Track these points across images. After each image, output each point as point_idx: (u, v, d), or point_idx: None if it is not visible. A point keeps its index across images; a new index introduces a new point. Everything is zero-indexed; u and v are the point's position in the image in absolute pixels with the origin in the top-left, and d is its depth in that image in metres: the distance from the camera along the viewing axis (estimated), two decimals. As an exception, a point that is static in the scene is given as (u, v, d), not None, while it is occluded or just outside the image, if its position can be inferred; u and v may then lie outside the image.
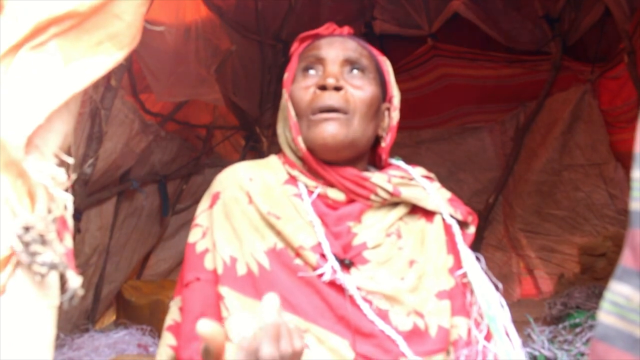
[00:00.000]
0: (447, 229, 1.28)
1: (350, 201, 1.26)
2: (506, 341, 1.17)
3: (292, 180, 1.28)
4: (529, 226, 4.76)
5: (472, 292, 1.23)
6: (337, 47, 1.28)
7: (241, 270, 1.17)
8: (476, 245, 4.78)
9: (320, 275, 1.16)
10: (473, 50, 4.39)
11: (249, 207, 1.23)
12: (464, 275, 1.24)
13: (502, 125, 4.82)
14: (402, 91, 1.39)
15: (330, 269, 1.16)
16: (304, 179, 1.27)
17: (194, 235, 1.25)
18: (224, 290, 1.16)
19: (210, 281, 1.18)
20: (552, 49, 4.26)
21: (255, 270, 1.17)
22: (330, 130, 1.21)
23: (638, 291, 0.63)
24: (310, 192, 1.26)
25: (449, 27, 4.29)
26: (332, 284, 1.16)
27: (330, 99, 1.22)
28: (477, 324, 1.20)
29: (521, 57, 4.38)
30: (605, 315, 0.64)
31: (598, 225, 4.44)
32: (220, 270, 1.17)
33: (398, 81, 1.39)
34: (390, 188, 1.25)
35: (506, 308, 1.20)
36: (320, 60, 1.28)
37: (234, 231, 1.21)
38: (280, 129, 1.33)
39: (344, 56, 1.27)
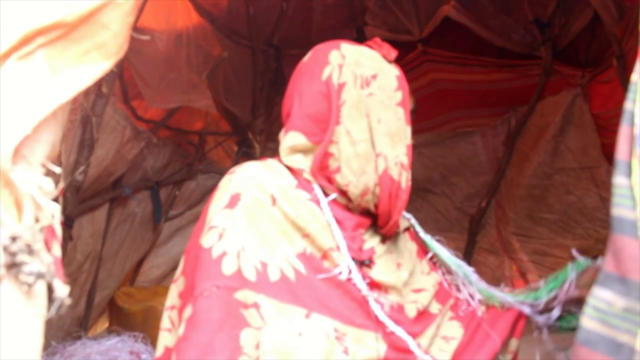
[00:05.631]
0: (412, 236, 1.48)
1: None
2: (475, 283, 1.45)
3: (303, 185, 1.27)
4: (521, 230, 4.77)
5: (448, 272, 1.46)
6: None
7: (274, 276, 1.14)
8: (469, 249, 4.82)
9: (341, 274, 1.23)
10: (464, 55, 4.40)
11: (274, 210, 1.19)
12: (434, 256, 1.46)
13: (493, 130, 4.83)
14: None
15: (346, 268, 1.21)
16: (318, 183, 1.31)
17: (209, 239, 1.15)
18: (259, 298, 1.11)
19: (229, 288, 1.11)
20: (543, 54, 4.27)
21: (292, 275, 1.15)
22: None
23: (620, 296, 0.64)
24: (326, 195, 1.28)
25: (440, 32, 4.30)
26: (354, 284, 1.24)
27: None
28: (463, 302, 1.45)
29: (512, 61, 4.39)
30: (588, 320, 0.65)
31: (590, 228, 4.45)
32: (252, 278, 1.12)
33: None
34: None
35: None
36: None
37: (261, 235, 1.16)
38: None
39: None
